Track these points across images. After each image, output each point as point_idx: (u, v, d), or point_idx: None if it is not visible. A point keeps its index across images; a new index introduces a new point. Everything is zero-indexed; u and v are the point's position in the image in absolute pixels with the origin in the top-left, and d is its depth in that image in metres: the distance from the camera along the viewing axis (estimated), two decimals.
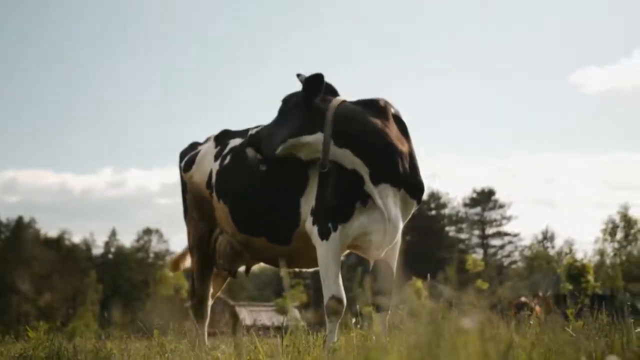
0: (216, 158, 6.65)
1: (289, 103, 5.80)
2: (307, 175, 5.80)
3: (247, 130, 6.67)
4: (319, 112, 5.62)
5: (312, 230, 5.68)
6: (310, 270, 6.47)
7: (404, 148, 5.67)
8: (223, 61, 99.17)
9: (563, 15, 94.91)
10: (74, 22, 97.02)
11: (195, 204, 6.87)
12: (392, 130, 5.65)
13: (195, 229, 6.90)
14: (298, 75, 5.83)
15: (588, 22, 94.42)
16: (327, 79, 5.72)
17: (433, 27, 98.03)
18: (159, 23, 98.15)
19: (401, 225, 5.77)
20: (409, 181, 5.67)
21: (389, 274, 5.83)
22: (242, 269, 6.95)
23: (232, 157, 6.49)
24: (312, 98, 5.64)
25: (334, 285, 5.56)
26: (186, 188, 7.05)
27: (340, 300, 5.52)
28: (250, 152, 5.80)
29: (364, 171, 5.52)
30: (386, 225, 5.58)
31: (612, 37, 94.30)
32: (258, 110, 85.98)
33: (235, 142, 6.61)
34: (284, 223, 5.94)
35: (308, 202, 5.77)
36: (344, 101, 5.75)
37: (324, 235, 5.59)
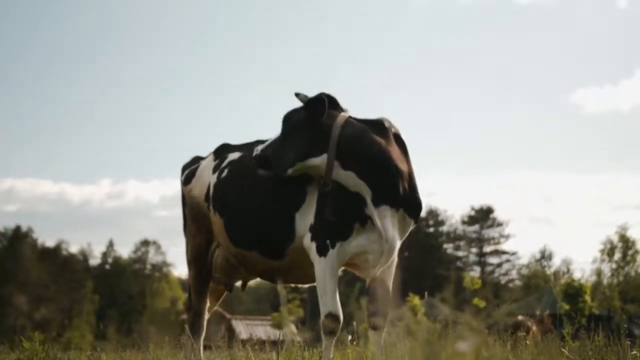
0: (214, 171, 6.68)
1: (291, 121, 5.81)
2: (305, 190, 5.82)
3: (246, 145, 6.70)
4: (323, 132, 5.64)
5: (310, 246, 5.69)
6: (306, 285, 6.48)
7: (404, 168, 5.70)
8: (224, 74, 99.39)
9: (565, 34, 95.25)
10: (74, 33, 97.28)
11: (193, 217, 6.88)
12: (395, 152, 5.68)
13: (193, 242, 6.91)
14: (297, 95, 5.83)
15: (590, 41, 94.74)
16: (330, 94, 5.74)
17: (433, 42, 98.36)
18: (160, 33, 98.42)
19: (398, 245, 5.78)
20: (407, 201, 5.69)
21: (385, 292, 5.84)
22: (238, 283, 6.94)
23: (230, 171, 6.51)
24: (315, 120, 5.67)
25: (331, 302, 5.56)
26: (186, 201, 7.06)
27: (336, 317, 5.53)
28: (262, 172, 5.83)
29: (367, 193, 5.55)
30: (383, 246, 5.60)
31: (614, 57, 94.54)
32: (259, 123, 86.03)
33: (233, 156, 6.63)
34: (278, 238, 5.94)
35: (305, 218, 5.78)
36: (348, 118, 5.77)
37: (322, 251, 5.60)
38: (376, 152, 5.60)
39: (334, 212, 5.58)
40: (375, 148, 5.60)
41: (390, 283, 5.91)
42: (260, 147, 5.92)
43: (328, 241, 5.58)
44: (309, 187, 5.80)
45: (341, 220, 5.57)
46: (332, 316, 5.52)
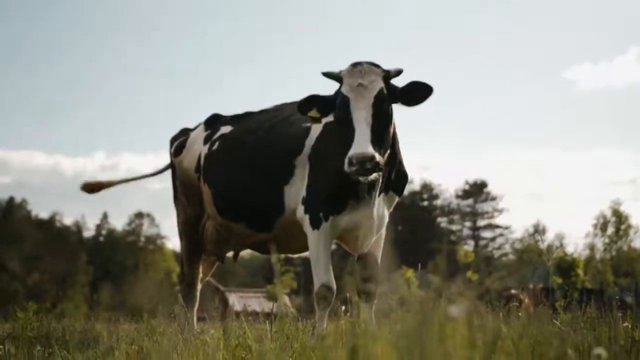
0: (205, 141, 6.66)
1: (390, 98, 5.32)
2: (293, 164, 5.79)
3: (237, 116, 6.68)
4: None
5: (304, 218, 5.69)
6: (295, 255, 6.52)
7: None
8: (216, 47, 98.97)
9: (560, 11, 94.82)
10: (70, 7, 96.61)
11: (183, 188, 6.87)
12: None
13: (183, 214, 6.91)
14: (357, 64, 5.33)
15: (585, 18, 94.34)
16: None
17: (429, 20, 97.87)
18: (153, 8, 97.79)
19: (386, 220, 5.83)
20: (396, 181, 5.72)
21: (374, 264, 5.86)
22: (230, 254, 6.96)
23: (221, 142, 6.49)
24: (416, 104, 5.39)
25: (324, 273, 5.57)
26: (176, 173, 7.04)
27: (330, 288, 5.55)
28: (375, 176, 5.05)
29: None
30: (373, 223, 5.61)
31: (608, 34, 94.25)
32: (251, 97, 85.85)
33: (226, 129, 6.59)
34: (267, 211, 5.94)
35: (295, 191, 5.76)
36: None
37: (315, 224, 5.61)
38: (398, 147, 5.63)
39: (330, 187, 5.52)
40: (397, 143, 5.60)
41: (379, 254, 5.92)
42: (360, 149, 4.88)
43: (321, 214, 5.58)
44: (298, 160, 5.77)
45: (337, 195, 5.54)
46: (326, 287, 5.54)
